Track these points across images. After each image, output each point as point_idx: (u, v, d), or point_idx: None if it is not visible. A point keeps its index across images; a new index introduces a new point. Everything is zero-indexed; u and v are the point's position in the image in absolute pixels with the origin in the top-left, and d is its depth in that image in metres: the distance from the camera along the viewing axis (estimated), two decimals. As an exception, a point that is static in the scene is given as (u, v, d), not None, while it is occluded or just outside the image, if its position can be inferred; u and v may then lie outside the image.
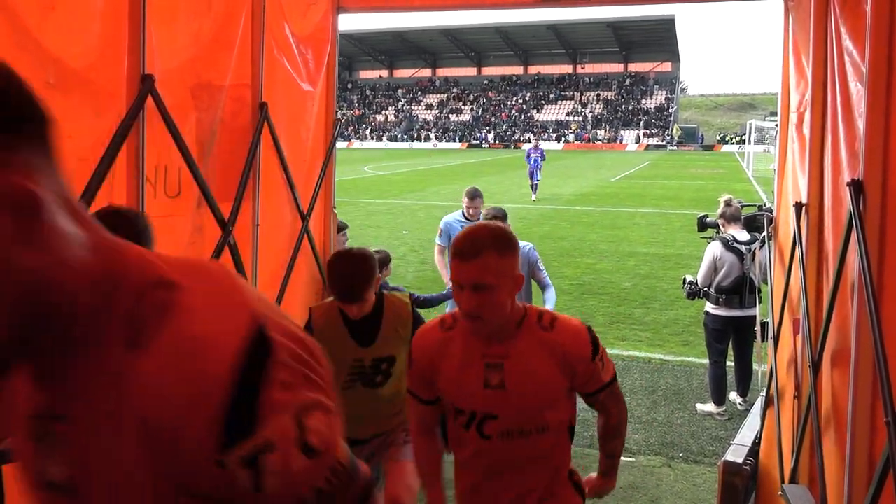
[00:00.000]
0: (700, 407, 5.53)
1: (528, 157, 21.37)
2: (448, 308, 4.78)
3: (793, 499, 2.85)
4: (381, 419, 2.94)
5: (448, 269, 4.63)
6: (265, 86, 3.43)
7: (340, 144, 5.48)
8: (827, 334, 2.63)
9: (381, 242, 12.45)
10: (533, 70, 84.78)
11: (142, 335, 0.68)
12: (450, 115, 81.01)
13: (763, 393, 4.03)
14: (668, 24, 68.68)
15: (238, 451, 0.68)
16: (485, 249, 1.83)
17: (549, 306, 4.59)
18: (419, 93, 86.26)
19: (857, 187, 2.23)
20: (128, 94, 2.45)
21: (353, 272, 2.76)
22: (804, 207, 3.10)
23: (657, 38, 73.03)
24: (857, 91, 2.37)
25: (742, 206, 5.71)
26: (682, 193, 22.80)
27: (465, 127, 77.86)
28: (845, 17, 2.60)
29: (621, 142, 69.27)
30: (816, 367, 2.73)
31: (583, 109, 77.72)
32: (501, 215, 4.52)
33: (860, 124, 2.27)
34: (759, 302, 5.17)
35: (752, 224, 5.41)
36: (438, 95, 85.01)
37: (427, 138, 74.33)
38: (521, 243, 4.60)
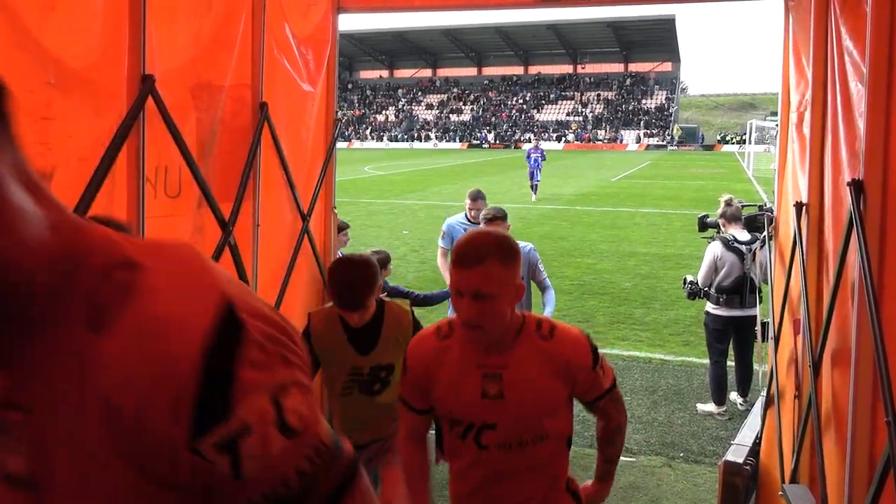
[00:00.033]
0: (700, 407, 5.53)
1: (529, 157, 21.37)
2: (450, 310, 4.78)
3: (793, 499, 2.85)
4: (378, 425, 2.92)
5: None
6: (265, 86, 3.42)
7: (341, 144, 5.49)
8: (827, 334, 2.63)
9: (382, 242, 12.46)
10: (533, 70, 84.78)
11: (104, 316, 0.66)
12: (450, 115, 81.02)
13: (763, 393, 4.03)
14: (668, 24, 68.68)
15: (213, 437, 0.66)
16: (487, 257, 1.79)
17: (548, 308, 4.60)
18: (419, 93, 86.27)
19: (857, 187, 2.23)
20: (128, 95, 2.45)
21: (354, 280, 2.72)
22: (804, 207, 3.10)
23: (657, 38, 73.02)
24: (858, 91, 2.37)
25: (742, 206, 5.71)
26: (682, 193, 22.80)
27: (465, 127, 77.86)
28: (845, 16, 2.60)
29: (621, 142, 69.26)
30: (817, 367, 2.73)
31: (583, 109, 77.72)
32: (501, 215, 4.51)
33: (860, 124, 2.27)
34: (760, 302, 5.17)
35: (753, 224, 5.41)
36: (439, 95, 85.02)
37: (427, 138, 74.34)
38: (522, 244, 4.61)
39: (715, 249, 5.46)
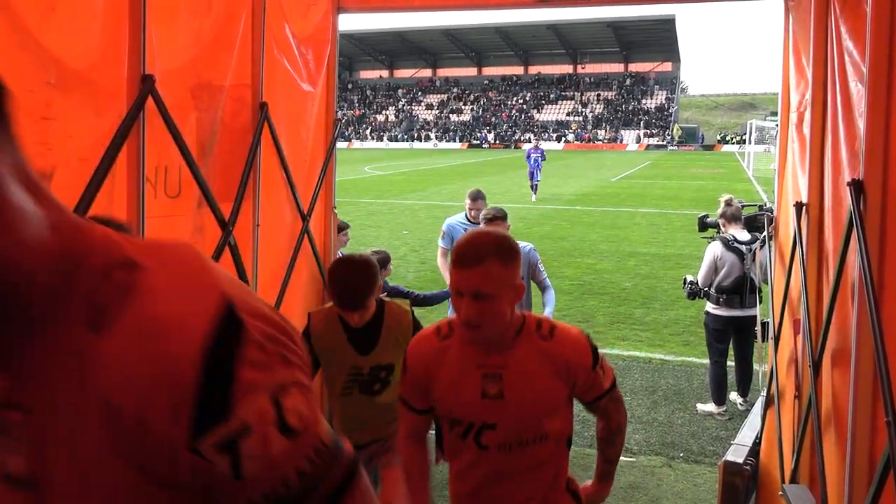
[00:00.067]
0: (700, 407, 5.53)
1: (529, 157, 21.37)
2: (450, 310, 4.78)
3: (793, 499, 2.85)
4: (379, 425, 2.91)
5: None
6: (265, 86, 3.43)
7: (341, 144, 5.48)
8: (827, 334, 2.63)
9: (382, 242, 12.46)
10: (533, 70, 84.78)
11: (104, 316, 0.66)
12: (450, 115, 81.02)
13: (763, 393, 4.03)
14: (668, 24, 68.69)
15: (213, 437, 0.66)
16: (488, 257, 1.78)
17: (548, 308, 4.60)
18: (419, 93, 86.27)
19: (857, 187, 2.23)
20: (128, 95, 2.45)
21: (354, 280, 2.71)
22: (804, 207, 3.10)
23: (657, 38, 73.03)
24: (858, 91, 2.37)
25: (743, 206, 5.71)
26: (682, 193, 22.80)
27: (465, 127, 77.86)
28: (845, 16, 2.60)
29: (621, 142, 69.27)
30: (817, 367, 2.73)
31: (583, 109, 77.72)
32: (501, 215, 4.50)
33: (860, 124, 2.27)
34: (760, 302, 5.17)
35: (753, 224, 5.41)
36: (439, 95, 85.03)
37: (427, 138, 74.34)
38: (522, 244, 4.61)
39: (715, 249, 5.46)
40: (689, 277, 5.69)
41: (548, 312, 4.64)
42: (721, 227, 5.63)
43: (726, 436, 4.95)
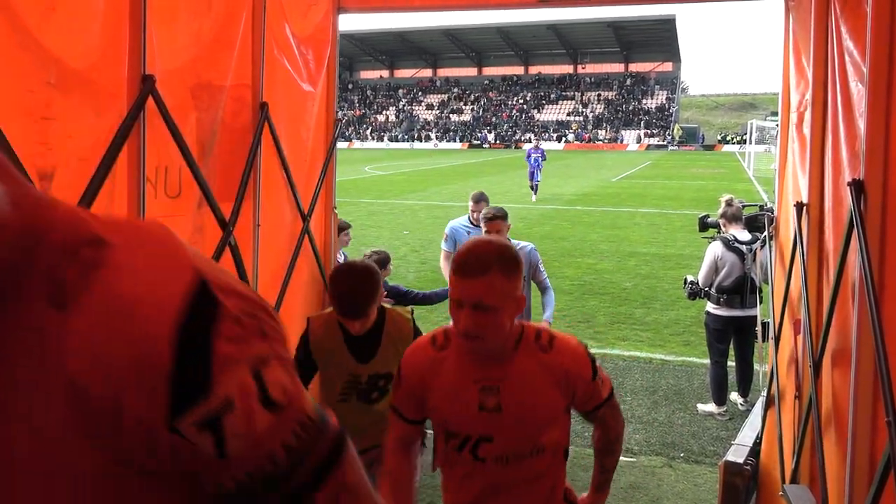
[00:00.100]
0: (701, 407, 5.52)
1: (529, 156, 21.37)
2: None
3: (794, 499, 2.85)
4: (376, 432, 2.86)
5: None
6: (266, 86, 3.43)
7: (341, 144, 5.48)
8: (828, 334, 2.63)
9: (382, 242, 12.46)
10: (534, 70, 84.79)
11: (67, 294, 0.64)
12: (450, 116, 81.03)
13: (764, 393, 4.03)
14: (668, 24, 68.69)
15: (193, 415, 0.64)
16: (490, 267, 1.73)
17: (548, 311, 4.61)
18: (420, 93, 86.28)
19: (857, 187, 2.23)
20: (128, 95, 2.45)
21: (355, 289, 2.67)
22: (805, 207, 3.10)
23: (658, 38, 73.03)
24: (858, 91, 2.37)
25: (743, 206, 5.71)
26: (682, 193, 22.80)
27: (465, 127, 77.88)
28: (846, 16, 2.60)
29: (622, 142, 69.27)
30: (817, 367, 2.73)
31: (583, 109, 77.73)
32: (502, 215, 4.50)
33: (861, 124, 2.27)
34: (761, 302, 5.16)
35: (754, 224, 5.41)
36: (439, 95, 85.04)
37: (428, 138, 74.36)
38: (523, 243, 4.64)
39: (715, 249, 5.46)
40: (690, 277, 5.69)
41: (548, 315, 4.65)
42: (721, 227, 5.63)
43: (727, 436, 4.95)
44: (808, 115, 3.09)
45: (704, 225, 6.02)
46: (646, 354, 6.83)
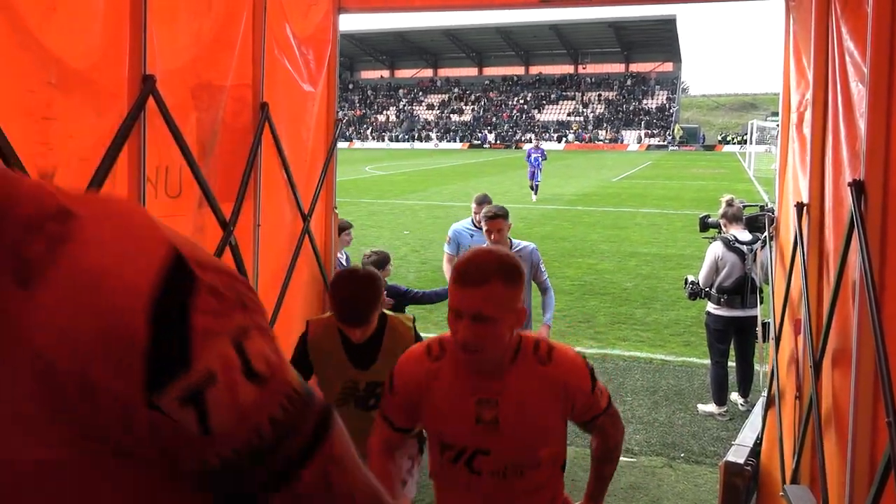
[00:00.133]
0: (701, 407, 5.52)
1: (529, 156, 21.36)
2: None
3: (794, 499, 2.85)
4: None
5: None
6: (266, 86, 3.43)
7: (341, 144, 5.48)
8: (828, 334, 2.63)
9: (383, 242, 12.46)
10: (534, 70, 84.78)
11: (32, 269, 0.61)
12: (451, 116, 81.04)
13: (764, 393, 4.03)
14: (669, 24, 68.67)
15: (175, 390, 0.61)
16: (491, 277, 1.68)
17: (548, 313, 4.62)
18: (420, 93, 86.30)
19: (858, 187, 2.23)
20: (129, 95, 2.45)
21: (357, 295, 2.61)
22: (805, 207, 3.09)
23: (658, 38, 73.01)
24: (859, 91, 2.37)
25: (744, 207, 5.71)
26: (683, 193, 22.79)
27: (466, 127, 77.88)
28: (846, 17, 2.60)
29: (622, 142, 69.27)
30: (818, 368, 2.73)
31: (584, 110, 77.74)
32: (503, 213, 4.47)
33: (861, 124, 2.27)
34: (761, 302, 5.16)
35: (754, 224, 5.41)
36: (440, 95, 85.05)
37: (428, 138, 74.37)
38: (524, 243, 4.64)
39: (716, 250, 5.46)
40: (691, 278, 5.69)
41: (548, 317, 4.65)
42: (722, 227, 5.63)
43: (727, 436, 4.95)
44: (808, 116, 3.09)
45: (705, 225, 6.02)
46: (646, 355, 6.83)
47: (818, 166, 2.97)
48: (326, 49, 4.15)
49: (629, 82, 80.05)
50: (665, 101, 76.55)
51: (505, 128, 76.57)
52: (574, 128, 73.86)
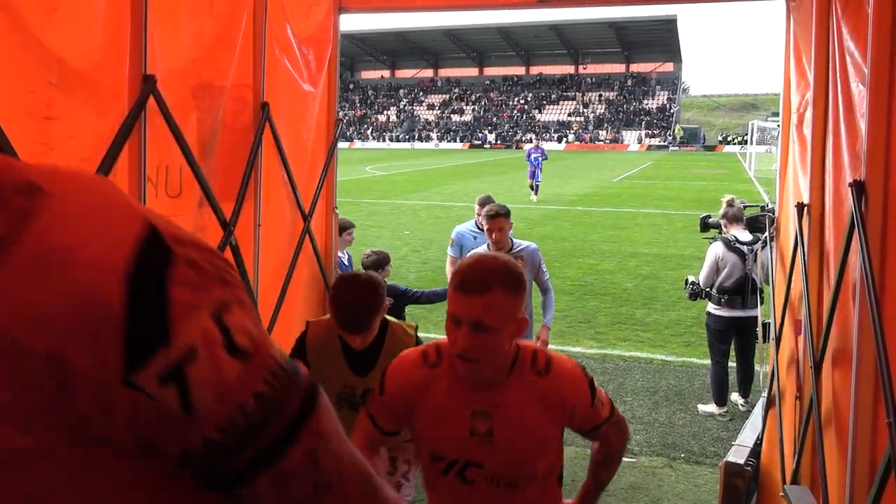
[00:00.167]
0: (702, 408, 5.52)
1: (529, 156, 21.35)
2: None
3: (794, 500, 2.85)
4: None
5: None
6: (266, 86, 3.43)
7: (342, 144, 5.48)
8: (829, 335, 2.63)
9: (383, 242, 12.46)
10: (535, 70, 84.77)
11: None
12: (451, 116, 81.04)
13: (765, 394, 4.03)
14: (669, 25, 68.66)
15: (154, 366, 0.58)
16: (494, 286, 1.62)
17: (549, 314, 4.61)
18: (421, 93, 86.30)
19: (858, 188, 2.23)
20: (130, 95, 2.45)
21: (358, 302, 2.55)
22: (806, 208, 3.09)
23: (659, 39, 73.01)
24: (859, 91, 2.37)
25: (744, 207, 5.71)
26: (684, 194, 22.79)
27: (466, 127, 77.88)
28: (847, 17, 2.60)
29: (623, 142, 69.27)
30: (818, 368, 2.73)
31: (584, 110, 77.73)
32: (504, 212, 4.42)
33: (862, 125, 2.27)
34: (761, 303, 5.16)
35: (755, 224, 5.42)
36: (440, 96, 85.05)
37: (429, 138, 74.38)
38: (526, 243, 4.63)
39: (716, 250, 5.46)
40: (691, 278, 5.69)
41: (548, 318, 4.65)
42: (723, 227, 5.63)
43: (727, 436, 4.95)
44: (809, 116, 3.09)
45: (706, 225, 6.02)
46: (646, 355, 6.83)
47: (819, 167, 2.97)
48: (327, 49, 4.15)
49: (630, 82, 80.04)
50: (666, 102, 76.54)
51: (505, 128, 76.56)
52: (574, 128, 73.84)
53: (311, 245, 4.05)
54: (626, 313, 8.32)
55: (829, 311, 2.59)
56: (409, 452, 2.87)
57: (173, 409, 0.60)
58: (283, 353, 0.69)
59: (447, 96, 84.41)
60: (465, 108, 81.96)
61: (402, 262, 10.87)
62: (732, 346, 5.57)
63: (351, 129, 77.15)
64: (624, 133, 71.94)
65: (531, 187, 21.02)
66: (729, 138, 68.74)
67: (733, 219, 5.54)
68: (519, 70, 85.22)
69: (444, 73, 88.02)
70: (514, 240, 4.58)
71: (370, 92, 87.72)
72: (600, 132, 72.51)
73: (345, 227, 5.09)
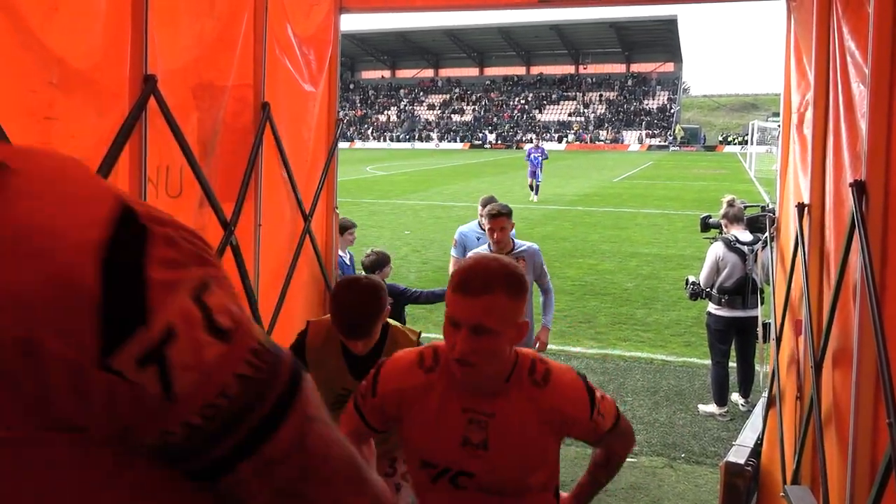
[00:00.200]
0: (702, 408, 5.52)
1: (529, 155, 21.34)
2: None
3: (795, 500, 2.85)
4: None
5: None
6: (267, 86, 3.43)
7: (342, 145, 5.47)
8: (829, 335, 2.63)
9: (384, 242, 12.46)
10: (535, 70, 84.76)
11: None
12: (452, 116, 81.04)
13: (765, 394, 4.03)
14: (670, 25, 68.66)
15: (133, 348, 0.55)
16: (495, 287, 1.57)
17: (549, 314, 4.61)
18: (421, 93, 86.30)
19: (859, 188, 2.23)
20: (130, 95, 2.45)
21: (359, 307, 2.48)
22: (806, 208, 3.09)
23: (659, 39, 73.01)
24: (860, 91, 2.37)
25: (745, 207, 5.71)
26: (684, 194, 22.79)
27: (467, 127, 77.88)
28: (847, 17, 2.60)
29: (623, 142, 69.27)
30: (818, 368, 2.73)
31: (585, 110, 77.72)
32: (507, 212, 4.40)
33: (862, 125, 2.27)
34: (762, 303, 5.16)
35: (755, 224, 5.42)
36: (441, 96, 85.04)
37: (429, 138, 74.38)
38: (528, 244, 4.63)
39: (717, 250, 5.46)
40: (692, 278, 5.69)
41: (548, 319, 4.65)
42: (723, 227, 5.63)
43: (728, 437, 4.95)
44: (809, 116, 3.08)
45: (706, 225, 6.02)
46: (647, 355, 6.83)
47: (819, 167, 2.96)
48: (327, 49, 4.15)
49: (630, 82, 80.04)
50: (666, 102, 76.52)
51: (506, 128, 76.56)
52: (575, 128, 73.84)
53: (311, 245, 4.05)
54: (627, 313, 8.32)
55: (829, 311, 2.59)
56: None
57: (153, 394, 0.57)
58: (265, 333, 0.67)
59: (448, 96, 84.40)
60: (465, 108, 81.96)
61: (402, 261, 10.87)
62: (733, 347, 5.57)
63: (351, 129, 77.16)
64: (624, 133, 71.93)
65: (531, 187, 21.01)
66: (729, 138, 68.74)
67: (734, 219, 5.54)
68: (519, 70, 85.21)
69: (445, 73, 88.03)
70: (516, 241, 4.57)
71: (371, 92, 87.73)
72: (601, 132, 72.49)
73: (346, 227, 5.09)
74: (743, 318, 5.35)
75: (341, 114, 4.56)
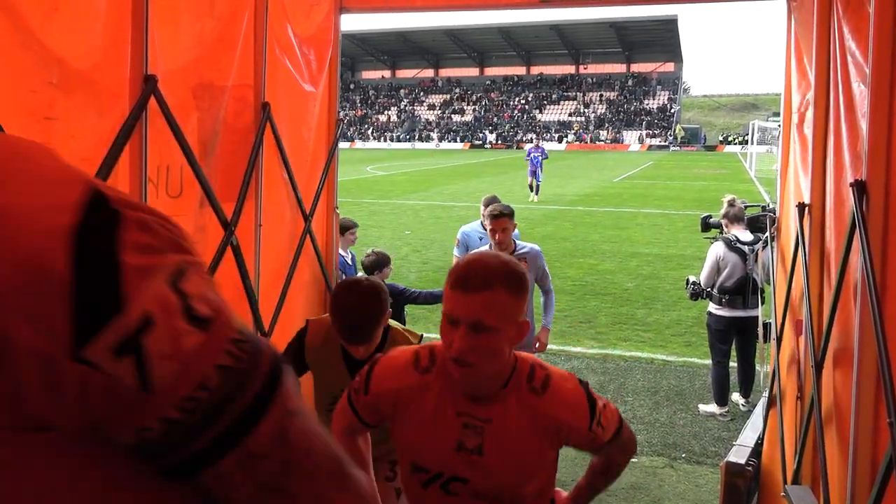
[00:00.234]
0: (702, 408, 5.52)
1: (529, 155, 21.33)
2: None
3: (795, 500, 2.84)
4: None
5: None
6: (267, 86, 3.43)
7: (343, 145, 5.47)
8: (829, 335, 2.63)
9: (384, 242, 12.47)
10: (535, 70, 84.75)
11: None
12: (452, 116, 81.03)
13: (765, 393, 4.03)
14: (670, 25, 68.64)
15: (107, 337, 0.53)
16: (495, 283, 1.51)
17: (549, 315, 4.61)
18: (422, 93, 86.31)
19: (859, 188, 2.23)
20: (130, 95, 2.45)
21: (360, 311, 2.44)
22: (807, 208, 3.09)
23: (660, 39, 73.00)
24: (860, 91, 2.37)
25: (745, 207, 5.71)
26: (684, 194, 22.78)
27: (467, 127, 77.88)
28: (848, 17, 2.60)
29: (623, 142, 69.27)
30: (819, 368, 2.73)
31: (585, 110, 77.72)
32: (508, 212, 4.40)
33: (863, 125, 2.27)
34: (762, 302, 5.16)
35: (756, 224, 5.42)
36: (441, 96, 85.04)
37: (429, 138, 74.37)
38: (529, 245, 4.62)
39: (717, 250, 5.46)
40: (692, 278, 5.69)
41: (548, 320, 4.65)
42: (724, 227, 5.63)
43: (728, 436, 4.95)
44: (809, 116, 3.08)
45: (707, 225, 6.02)
46: (647, 355, 6.83)
47: (820, 167, 2.96)
48: (328, 49, 4.15)
49: (630, 82, 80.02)
50: (666, 102, 76.51)
51: (506, 128, 76.55)
52: (575, 128, 73.84)
53: (311, 245, 4.05)
54: (627, 313, 8.32)
55: (830, 310, 2.59)
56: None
57: (129, 385, 0.54)
58: (244, 322, 0.64)
59: (448, 96, 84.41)
60: (465, 108, 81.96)
61: (402, 261, 10.87)
62: (733, 346, 5.57)
63: (352, 129, 77.17)
64: (625, 133, 71.92)
65: (531, 187, 21.00)
66: (730, 138, 68.70)
67: (734, 219, 5.54)
68: (520, 70, 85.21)
69: (445, 73, 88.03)
70: (518, 242, 4.55)
71: (371, 92, 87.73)
72: (601, 132, 72.48)
73: (347, 227, 5.09)
74: (743, 318, 5.35)
75: (341, 114, 4.56)
